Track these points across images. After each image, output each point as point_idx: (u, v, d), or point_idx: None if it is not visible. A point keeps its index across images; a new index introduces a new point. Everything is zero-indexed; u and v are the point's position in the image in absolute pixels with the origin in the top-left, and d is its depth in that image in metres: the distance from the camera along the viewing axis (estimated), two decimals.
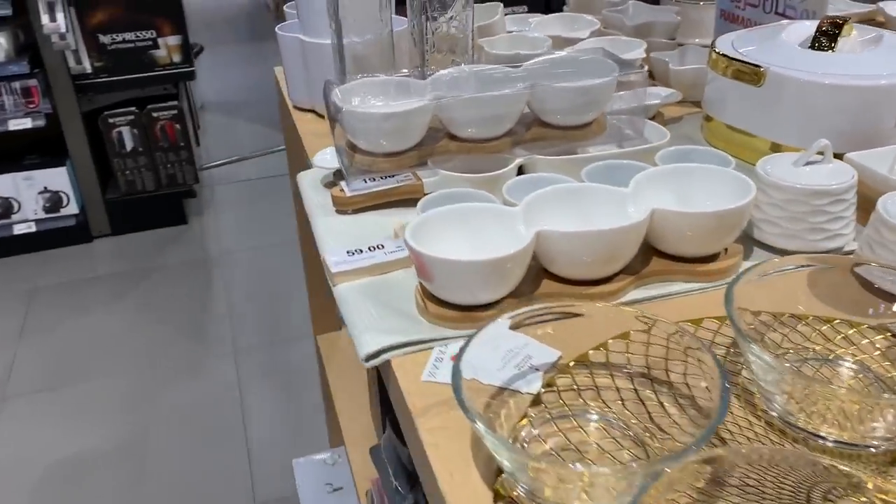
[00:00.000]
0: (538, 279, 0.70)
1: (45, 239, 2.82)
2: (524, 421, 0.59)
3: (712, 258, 0.73)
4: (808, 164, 0.76)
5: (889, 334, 0.65)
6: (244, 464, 1.88)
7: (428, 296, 0.68)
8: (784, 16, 1.15)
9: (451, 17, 0.94)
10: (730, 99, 0.95)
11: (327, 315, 1.60)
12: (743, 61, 0.92)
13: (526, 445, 0.57)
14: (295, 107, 1.20)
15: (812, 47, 0.91)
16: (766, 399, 0.58)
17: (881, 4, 1.42)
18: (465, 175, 0.86)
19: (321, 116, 1.15)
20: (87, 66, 2.65)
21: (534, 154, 0.89)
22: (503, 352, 0.64)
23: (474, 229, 0.71)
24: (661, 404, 0.58)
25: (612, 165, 0.85)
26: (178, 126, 2.79)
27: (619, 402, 0.60)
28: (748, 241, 0.78)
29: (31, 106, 2.60)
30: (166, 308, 2.50)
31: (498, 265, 0.64)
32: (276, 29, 1.15)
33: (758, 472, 0.49)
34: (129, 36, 2.66)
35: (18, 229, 2.76)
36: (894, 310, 0.65)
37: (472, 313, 0.67)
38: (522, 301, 0.69)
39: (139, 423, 2.01)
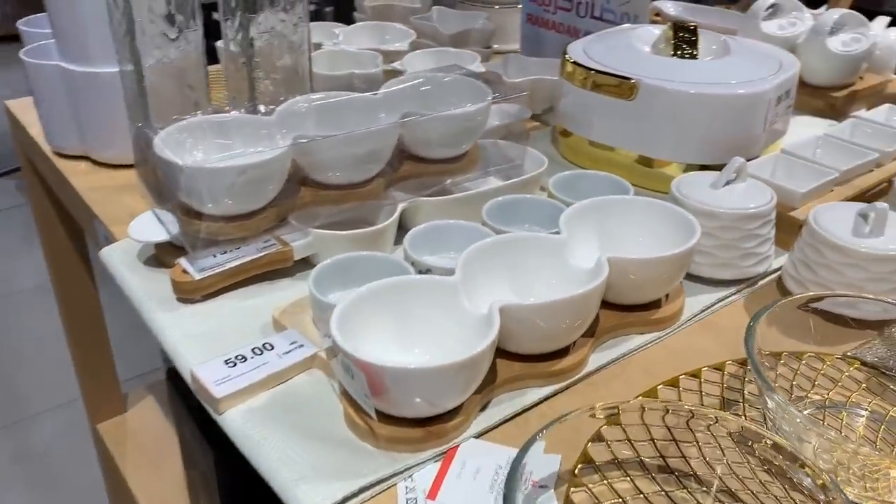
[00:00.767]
0: (492, 363, 0.56)
1: None
2: None
3: (657, 303, 0.65)
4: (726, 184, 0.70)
5: (859, 363, 0.61)
6: None
7: (365, 412, 0.51)
8: (601, 20, 1.11)
9: (280, 22, 0.75)
10: (595, 113, 0.88)
11: (106, 390, 1.30)
12: (610, 73, 0.85)
13: None
14: (57, 153, 0.92)
15: (675, 55, 0.87)
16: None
17: (657, 4, 1.46)
18: (344, 233, 0.69)
19: (100, 165, 0.89)
20: None
21: (412, 195, 0.75)
22: (488, 474, 0.49)
23: (404, 311, 0.56)
24: None
25: (512, 201, 0.73)
26: None
27: None
28: None
29: None
30: None
31: (472, 365, 0.49)
32: (22, 55, 0.87)
33: None
34: None
35: None
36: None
37: (435, 426, 0.51)
38: (484, 395, 0.55)
39: None
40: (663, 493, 0.49)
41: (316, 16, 1.59)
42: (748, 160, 0.86)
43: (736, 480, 0.49)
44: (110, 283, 0.72)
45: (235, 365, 0.56)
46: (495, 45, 1.19)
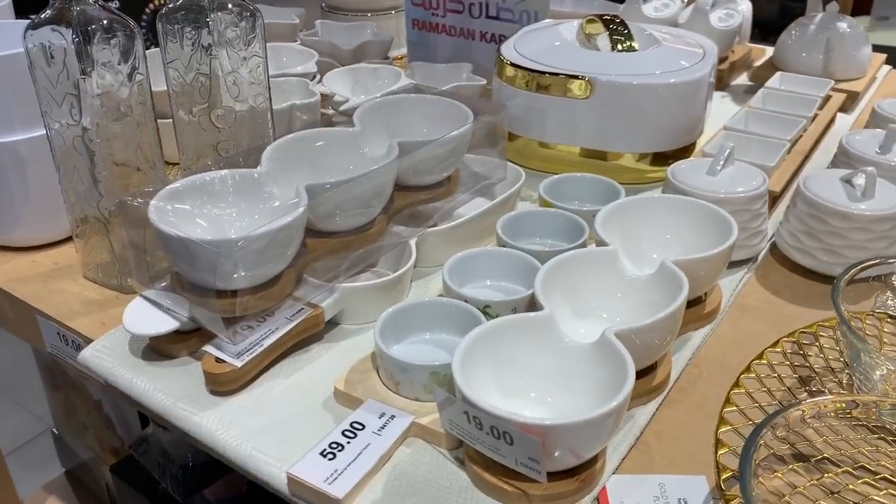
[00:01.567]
0: None
1: None
2: None
3: (699, 297, 0.66)
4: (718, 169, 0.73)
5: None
6: None
7: (513, 474, 0.47)
8: (498, 19, 1.11)
9: (242, 60, 0.67)
10: (545, 114, 0.88)
11: None
12: (562, 73, 0.85)
13: None
14: None
15: (616, 49, 0.88)
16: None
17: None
18: (371, 283, 0.63)
19: (10, 251, 0.75)
20: None
21: (411, 228, 0.70)
22: None
23: (497, 355, 0.52)
24: None
25: (522, 216, 0.71)
26: None
27: None
28: None
29: None
30: None
31: (625, 404, 0.47)
32: None
33: None
34: None
35: None
36: None
37: (584, 474, 0.49)
38: None
39: None
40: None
41: None
42: (694, 143, 0.90)
43: None
44: None
45: (334, 455, 0.50)
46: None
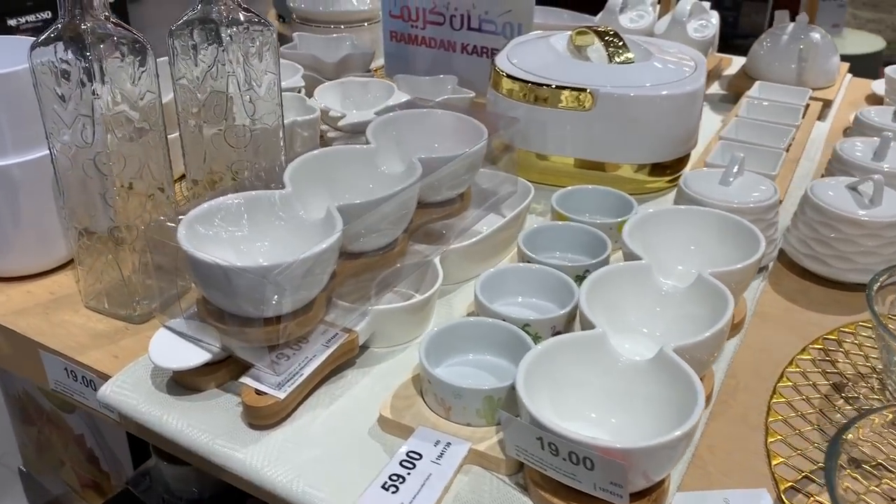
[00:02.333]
0: None
1: None
2: None
3: None
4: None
5: None
6: None
7: (583, 497, 0.46)
8: (480, 31, 1.10)
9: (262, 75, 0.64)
10: (545, 126, 0.87)
11: None
12: (562, 86, 0.85)
13: None
14: None
15: (613, 61, 0.89)
16: None
17: None
18: (402, 305, 0.62)
19: (9, 281, 0.70)
20: None
21: (434, 246, 0.69)
22: None
23: (552, 375, 0.51)
24: None
25: (542, 230, 0.71)
26: None
27: None
28: None
29: None
30: None
31: (693, 429, 0.46)
32: None
33: None
34: None
35: None
36: None
37: (654, 494, 0.48)
38: None
39: None
40: None
41: None
42: (689, 153, 0.91)
43: None
44: None
45: (397, 489, 0.48)
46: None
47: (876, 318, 0.57)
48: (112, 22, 0.57)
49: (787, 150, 0.91)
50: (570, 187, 0.79)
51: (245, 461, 0.51)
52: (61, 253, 0.72)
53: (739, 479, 0.52)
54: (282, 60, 1.02)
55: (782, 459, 0.53)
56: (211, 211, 0.57)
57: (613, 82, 0.85)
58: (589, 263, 0.66)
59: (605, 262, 0.67)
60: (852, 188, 0.73)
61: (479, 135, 0.72)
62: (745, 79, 1.16)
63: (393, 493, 0.48)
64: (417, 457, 0.50)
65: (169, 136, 0.64)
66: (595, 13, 1.30)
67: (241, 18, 0.63)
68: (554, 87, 0.86)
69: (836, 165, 0.83)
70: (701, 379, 0.57)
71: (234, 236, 0.59)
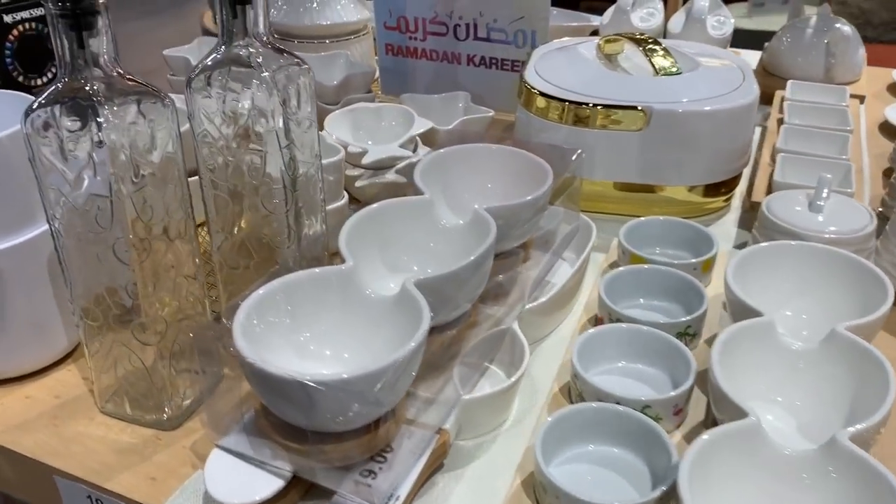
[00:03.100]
0: None
1: None
2: None
3: None
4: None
5: None
6: None
7: None
8: (489, 41, 1.01)
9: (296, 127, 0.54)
10: (590, 149, 0.78)
11: None
12: (609, 105, 0.76)
13: None
14: None
15: (658, 73, 0.80)
16: None
17: None
18: (494, 391, 0.52)
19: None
20: None
21: (507, 307, 0.59)
22: None
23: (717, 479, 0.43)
24: None
25: (623, 276, 0.63)
26: None
27: None
28: None
29: None
30: None
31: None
32: None
33: None
34: None
35: None
36: None
37: None
38: None
39: None
40: None
41: None
42: (742, 169, 0.84)
43: None
44: None
45: None
46: None
47: None
48: (128, 78, 0.46)
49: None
50: (636, 220, 0.71)
51: None
52: (61, 345, 0.60)
53: None
54: None
55: None
56: (265, 301, 0.47)
57: (665, 97, 0.76)
58: (689, 319, 0.58)
59: (704, 315, 0.59)
60: None
61: (539, 170, 0.63)
62: (767, 76, 1.09)
63: None
64: None
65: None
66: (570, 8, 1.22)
67: (280, 59, 0.52)
68: (599, 105, 0.77)
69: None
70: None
71: (293, 326, 0.49)
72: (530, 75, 0.84)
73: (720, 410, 0.48)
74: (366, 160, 0.76)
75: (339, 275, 0.50)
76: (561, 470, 0.48)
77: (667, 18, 1.15)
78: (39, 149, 0.46)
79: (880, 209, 0.77)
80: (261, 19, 0.51)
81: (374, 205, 0.57)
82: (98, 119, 0.45)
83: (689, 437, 0.51)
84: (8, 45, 1.13)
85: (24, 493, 0.56)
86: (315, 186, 0.58)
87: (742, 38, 1.27)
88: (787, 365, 0.52)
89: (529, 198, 0.59)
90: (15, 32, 1.18)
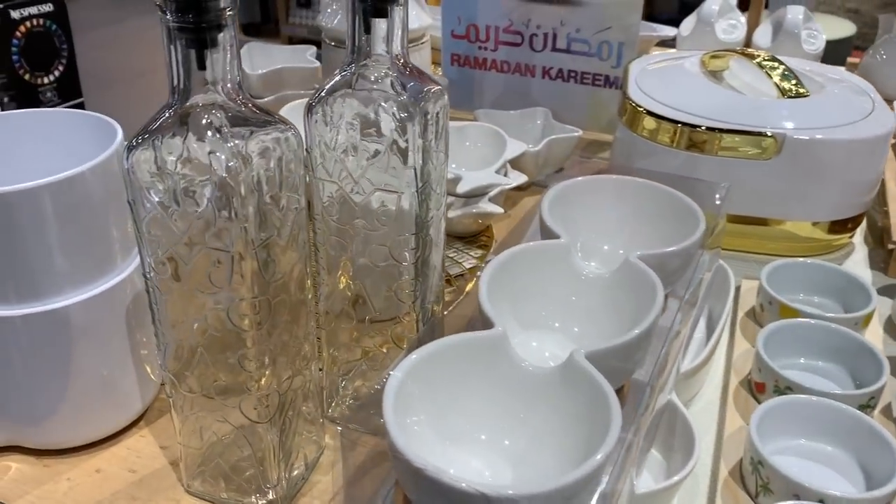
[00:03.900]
0: None
1: None
2: None
3: None
4: None
5: None
6: None
7: None
8: (569, 52, 0.93)
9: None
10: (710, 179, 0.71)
11: None
12: (733, 130, 0.68)
13: None
14: None
15: (784, 95, 0.72)
16: None
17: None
18: (669, 484, 0.44)
19: (40, 455, 0.50)
20: None
21: (666, 376, 0.51)
22: None
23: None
24: None
25: (781, 330, 0.55)
26: None
27: None
28: None
29: None
30: None
31: None
32: None
33: None
34: None
35: None
36: None
37: None
38: None
39: None
40: None
41: None
42: (871, 203, 0.75)
43: None
44: None
45: None
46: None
47: None
48: (251, 106, 0.38)
49: None
50: (777, 262, 0.63)
51: None
52: (134, 407, 0.52)
53: None
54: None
55: None
56: (410, 377, 0.39)
57: (796, 123, 0.68)
58: (872, 390, 0.50)
59: (883, 388, 0.51)
60: None
61: (683, 209, 0.55)
62: None
63: None
64: None
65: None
66: None
67: (413, 82, 0.44)
68: (720, 129, 0.69)
69: None
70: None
71: (434, 404, 0.40)
72: (634, 92, 0.76)
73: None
74: (461, 188, 0.68)
75: (488, 342, 0.42)
76: None
77: (750, 31, 1.07)
78: (142, 189, 0.38)
79: None
80: (398, 36, 0.43)
81: (507, 252, 0.49)
82: (218, 155, 0.36)
83: None
84: (14, 42, 1.05)
85: None
86: (438, 229, 0.49)
87: None
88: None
89: (686, 243, 0.51)
90: (22, 29, 1.09)
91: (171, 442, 0.51)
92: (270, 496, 0.45)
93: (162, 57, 0.37)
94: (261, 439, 0.44)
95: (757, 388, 0.53)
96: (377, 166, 0.44)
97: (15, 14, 1.16)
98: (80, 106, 1.21)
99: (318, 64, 0.91)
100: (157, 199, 0.38)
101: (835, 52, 1.50)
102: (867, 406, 0.50)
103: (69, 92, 1.23)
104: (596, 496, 0.36)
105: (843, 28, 3.01)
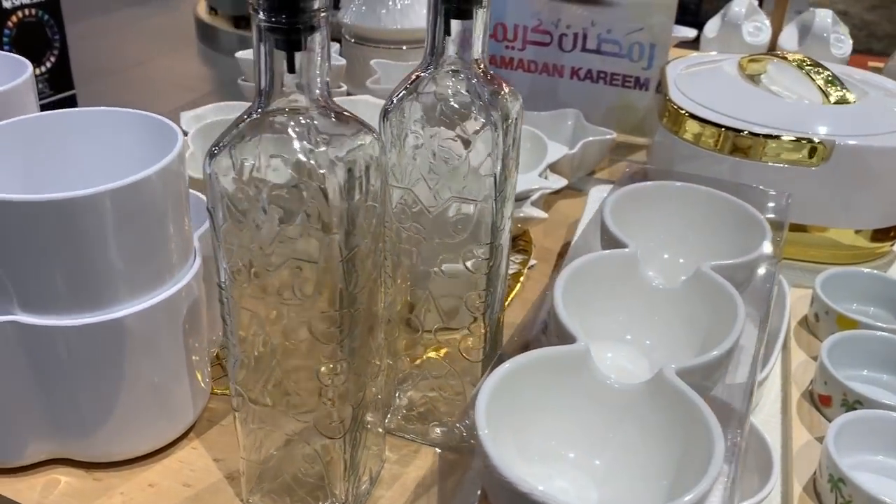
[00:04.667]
0: None
1: None
2: None
3: None
4: None
5: None
6: None
7: None
8: (599, 52, 0.92)
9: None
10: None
11: None
12: (781, 136, 0.67)
13: None
14: None
15: (830, 101, 0.71)
16: None
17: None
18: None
19: (90, 468, 0.48)
20: None
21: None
22: None
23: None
24: None
25: (845, 342, 0.53)
26: None
27: None
28: None
29: None
30: None
31: None
32: None
33: None
34: None
35: None
36: None
37: None
38: None
39: None
40: None
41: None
42: None
43: None
44: None
45: None
46: (344, 86, 0.91)
47: None
48: (339, 112, 0.36)
49: None
50: (832, 270, 0.62)
51: None
52: (187, 418, 0.50)
53: None
54: (373, 100, 0.81)
55: None
56: (499, 394, 0.37)
57: (845, 130, 0.68)
58: None
59: None
60: None
61: (746, 218, 0.54)
62: None
63: None
64: None
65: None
66: None
67: (492, 87, 0.42)
68: (768, 135, 0.68)
69: None
70: None
71: (517, 419, 0.39)
72: (675, 94, 0.75)
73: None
74: None
75: (572, 357, 0.41)
76: None
77: (775, 33, 1.06)
78: (223, 197, 0.36)
79: None
80: (479, 39, 0.41)
81: (575, 262, 0.48)
82: (306, 161, 0.35)
83: None
84: (6, 31, 1.02)
85: None
86: (507, 237, 0.48)
87: None
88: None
89: (756, 254, 0.50)
90: (14, 18, 1.07)
91: (224, 454, 0.49)
92: None
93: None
94: (330, 453, 0.42)
95: (822, 401, 0.52)
96: (453, 173, 0.43)
97: (7, 3, 1.13)
98: (73, 98, 1.18)
99: (343, 62, 0.89)
100: (237, 208, 0.36)
101: None
102: None
103: (61, 84, 1.20)
104: None
105: None
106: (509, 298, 0.65)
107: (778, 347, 0.54)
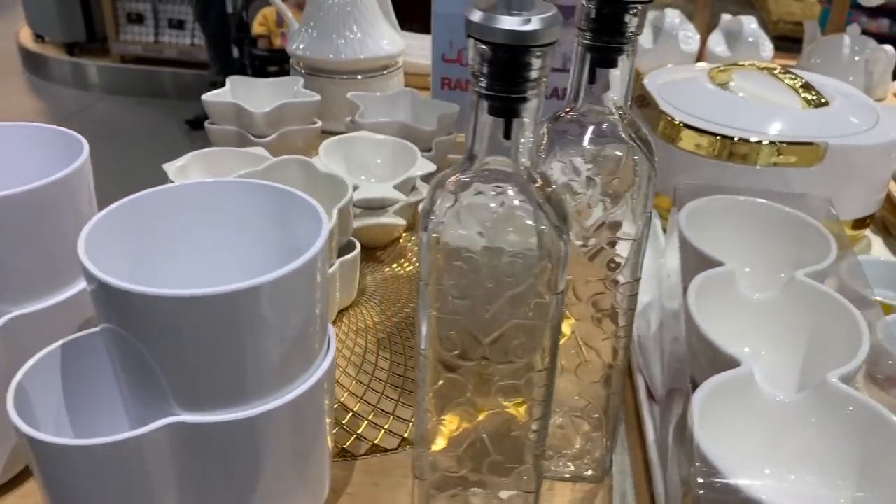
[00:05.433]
0: None
1: None
2: None
3: None
4: None
5: None
6: None
7: None
8: (564, 71, 0.95)
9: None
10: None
11: None
12: (783, 141, 0.73)
13: None
14: None
15: (809, 105, 0.78)
16: None
17: None
18: None
19: None
20: None
21: None
22: None
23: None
24: None
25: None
26: None
27: None
28: None
29: None
30: None
31: None
32: None
33: None
34: None
35: None
36: None
37: None
38: None
39: None
40: None
41: None
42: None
43: None
44: None
45: None
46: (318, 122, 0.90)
47: None
48: (541, 176, 0.36)
49: None
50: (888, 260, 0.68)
51: None
52: (322, 495, 0.48)
53: None
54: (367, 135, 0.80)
55: None
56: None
57: (832, 131, 0.74)
58: None
59: None
60: None
61: (804, 228, 0.59)
62: None
63: None
64: None
65: None
66: None
67: (632, 132, 0.44)
68: (768, 142, 0.73)
69: None
70: None
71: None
72: (666, 107, 0.79)
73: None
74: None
75: (738, 380, 0.43)
76: None
77: (703, 41, 1.14)
78: (438, 269, 0.35)
79: None
80: (622, 87, 0.42)
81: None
82: (540, 227, 0.34)
83: None
84: None
85: None
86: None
87: None
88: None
89: (827, 262, 0.54)
90: None
91: None
92: None
93: None
94: None
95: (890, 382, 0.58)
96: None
97: None
98: None
99: (318, 97, 0.87)
100: (449, 281, 0.35)
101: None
102: None
103: None
104: None
105: None
106: None
107: None
